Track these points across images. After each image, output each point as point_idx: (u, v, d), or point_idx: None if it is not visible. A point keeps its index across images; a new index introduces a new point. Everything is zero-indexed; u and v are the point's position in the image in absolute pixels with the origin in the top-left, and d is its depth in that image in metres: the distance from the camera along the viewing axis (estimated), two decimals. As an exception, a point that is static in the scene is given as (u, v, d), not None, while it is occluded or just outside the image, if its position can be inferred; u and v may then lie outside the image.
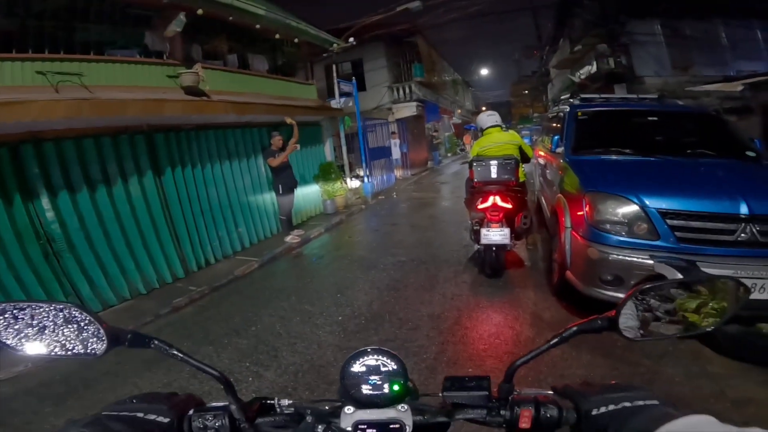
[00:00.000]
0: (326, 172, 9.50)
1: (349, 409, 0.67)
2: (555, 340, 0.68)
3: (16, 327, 0.65)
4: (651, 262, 2.92)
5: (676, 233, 2.96)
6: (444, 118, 25.93)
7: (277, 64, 9.40)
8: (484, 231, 4.30)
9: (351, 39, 11.00)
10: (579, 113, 4.78)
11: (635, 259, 3.00)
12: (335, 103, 10.78)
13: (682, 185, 3.28)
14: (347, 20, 12.50)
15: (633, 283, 2.97)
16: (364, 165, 11.61)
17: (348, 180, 11.00)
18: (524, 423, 0.64)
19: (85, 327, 0.67)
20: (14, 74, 4.37)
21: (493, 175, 4.40)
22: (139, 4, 5.94)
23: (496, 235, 4.27)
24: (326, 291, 4.97)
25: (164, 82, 5.98)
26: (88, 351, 0.67)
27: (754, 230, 2.82)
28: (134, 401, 0.66)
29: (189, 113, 5.90)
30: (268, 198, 7.75)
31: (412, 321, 3.88)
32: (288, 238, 7.23)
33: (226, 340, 3.93)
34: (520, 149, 4.95)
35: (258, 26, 7.93)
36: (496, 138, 4.99)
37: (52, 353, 0.67)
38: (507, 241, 4.29)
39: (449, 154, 25.48)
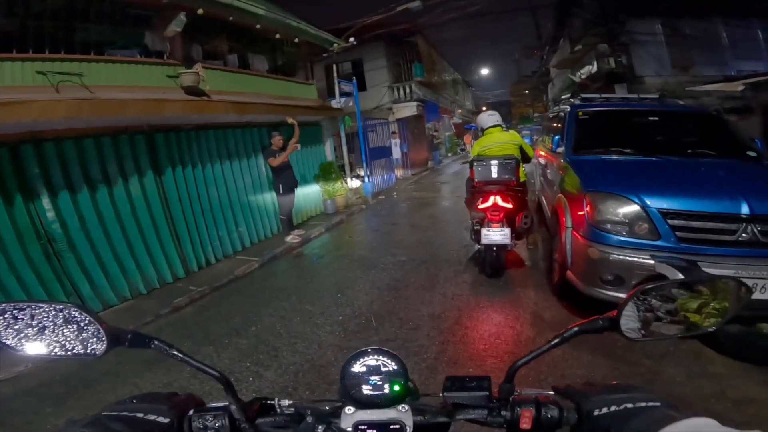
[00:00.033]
0: (327, 172, 9.50)
1: (349, 410, 0.67)
2: (556, 341, 0.68)
3: (16, 327, 0.65)
4: (652, 262, 2.91)
5: (677, 233, 2.96)
6: (444, 117, 25.92)
7: (277, 63, 9.40)
8: (484, 231, 4.29)
9: (351, 39, 11.00)
10: (579, 113, 4.78)
11: (636, 259, 3.00)
12: (335, 103, 10.78)
13: (683, 185, 3.28)
14: (347, 20, 12.52)
15: (634, 283, 2.97)
16: (364, 165, 11.62)
17: (348, 180, 11.00)
18: (525, 423, 0.64)
19: (85, 327, 0.67)
20: (14, 74, 4.37)
21: (494, 174, 4.40)
22: (140, 4, 5.94)
23: (496, 234, 4.26)
24: (327, 291, 4.97)
25: (164, 82, 5.98)
26: (88, 351, 0.67)
27: (755, 230, 2.81)
28: (134, 401, 0.66)
29: (189, 113, 5.90)
30: (269, 198, 7.75)
31: (413, 321, 3.88)
32: (288, 238, 7.23)
33: (226, 340, 3.93)
34: (521, 149, 4.95)
35: (258, 26, 7.93)
36: (497, 138, 4.98)
37: (52, 353, 0.67)
38: (507, 240, 4.28)
39: (450, 154, 25.47)
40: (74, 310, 0.66)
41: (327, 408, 0.71)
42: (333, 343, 3.66)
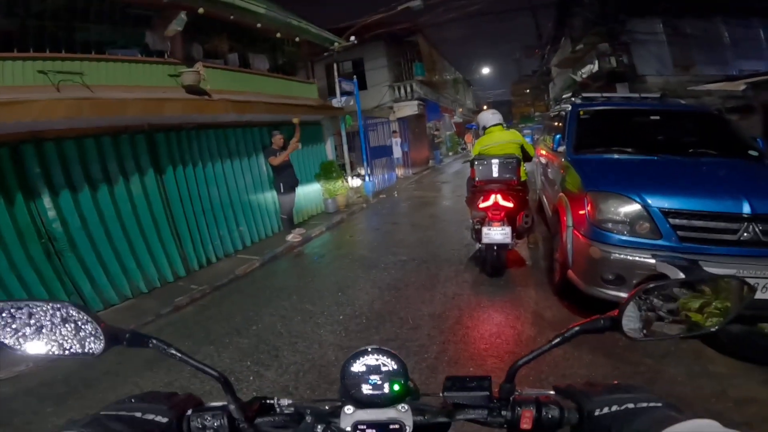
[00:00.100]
0: (327, 171, 9.51)
1: (349, 409, 0.66)
2: (557, 340, 0.68)
3: (14, 326, 0.65)
4: (653, 261, 2.91)
5: (679, 232, 2.95)
6: (445, 116, 25.91)
7: (278, 63, 9.40)
8: (485, 230, 4.29)
9: (352, 38, 10.99)
10: (581, 112, 4.77)
11: (637, 259, 2.99)
12: (336, 102, 10.79)
13: (684, 184, 3.27)
14: (348, 20, 12.50)
15: (635, 283, 2.97)
16: (365, 164, 11.62)
17: (349, 179, 10.99)
18: (525, 423, 0.64)
19: (83, 326, 0.66)
20: (15, 74, 4.37)
21: (495, 173, 4.39)
22: (140, 3, 5.94)
23: (497, 233, 4.26)
24: (327, 290, 4.97)
25: (165, 82, 5.98)
26: (86, 350, 0.67)
27: (756, 230, 2.81)
28: (133, 401, 0.65)
29: (190, 112, 5.90)
30: (269, 197, 7.75)
31: (414, 320, 3.88)
32: (289, 237, 7.23)
33: (227, 340, 3.93)
34: (522, 148, 4.93)
35: (259, 25, 7.93)
36: (498, 137, 4.97)
37: (50, 353, 0.66)
38: (508, 240, 4.27)
39: (450, 153, 25.46)
40: (72, 309, 0.66)
41: (327, 407, 0.70)
42: (334, 343, 3.65)
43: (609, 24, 12.89)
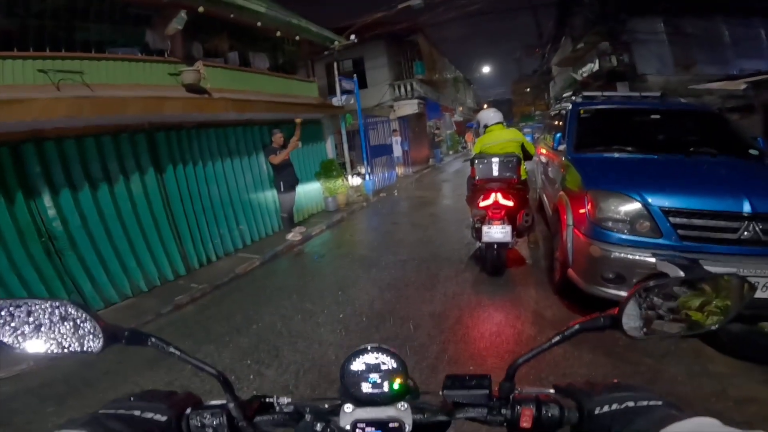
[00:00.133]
0: (327, 170, 9.51)
1: (348, 408, 0.66)
2: (557, 339, 0.67)
3: (13, 324, 0.64)
4: (653, 260, 2.90)
5: (679, 231, 2.95)
6: (445, 115, 25.90)
7: (278, 61, 9.40)
8: (485, 228, 4.28)
9: (352, 36, 10.98)
10: (581, 111, 4.76)
11: (637, 257, 2.99)
12: (337, 101, 10.79)
13: (684, 183, 3.27)
14: (348, 19, 12.49)
15: (635, 282, 2.96)
16: (365, 162, 11.62)
17: (349, 177, 10.99)
18: (525, 422, 0.63)
19: (82, 324, 0.66)
20: (15, 73, 4.37)
21: (495, 172, 4.38)
22: (140, 2, 5.93)
23: (497, 232, 4.25)
24: (327, 289, 4.97)
25: (165, 80, 5.98)
26: (85, 349, 0.67)
27: (757, 228, 2.81)
28: (132, 399, 0.65)
29: (190, 111, 5.90)
30: (270, 195, 7.76)
31: (414, 319, 3.87)
32: (289, 236, 7.23)
33: (227, 339, 3.93)
34: (522, 146, 4.93)
35: (259, 24, 7.92)
36: (499, 135, 4.97)
37: (49, 351, 0.66)
38: (509, 238, 4.27)
39: (451, 152, 25.45)
40: (71, 307, 0.66)
41: (326, 406, 0.70)
42: (334, 342, 3.65)
43: (610, 23, 12.87)
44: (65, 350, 0.67)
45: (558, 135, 4.89)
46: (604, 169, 3.76)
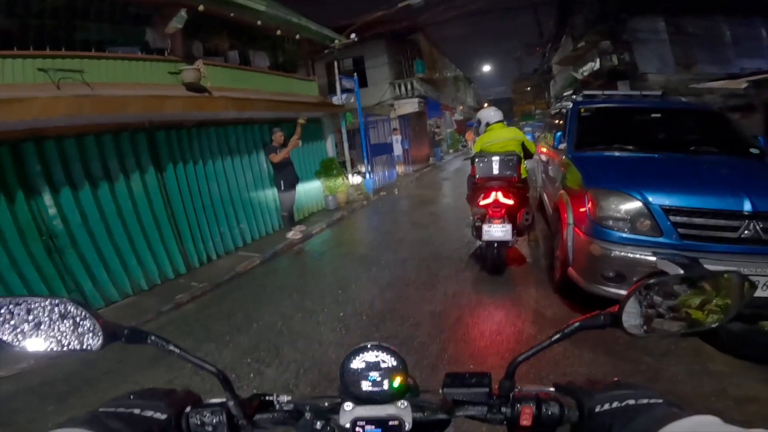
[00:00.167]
0: (328, 168, 9.51)
1: (348, 406, 0.66)
2: (557, 336, 0.67)
3: (12, 322, 0.65)
4: (654, 258, 2.90)
5: (679, 230, 2.95)
6: (446, 114, 25.90)
7: (278, 60, 9.38)
8: (485, 227, 4.28)
9: (353, 35, 10.96)
10: (582, 110, 4.76)
11: (638, 256, 2.99)
12: (337, 100, 10.79)
13: (685, 182, 3.27)
14: (349, 18, 12.47)
15: (635, 280, 2.96)
16: (365, 161, 11.61)
17: (349, 176, 10.99)
18: (525, 420, 0.63)
19: (81, 322, 0.66)
20: (15, 72, 4.36)
21: (495, 171, 4.38)
22: (141, 1, 5.92)
23: (498, 231, 4.25)
24: (328, 288, 4.97)
25: (165, 79, 5.97)
26: (84, 347, 0.67)
27: (757, 227, 2.80)
28: (132, 397, 0.65)
29: (190, 110, 5.89)
30: (270, 194, 7.75)
31: (414, 318, 3.87)
32: (290, 234, 7.23)
33: (227, 337, 3.93)
34: (523, 145, 4.93)
35: (259, 23, 7.91)
36: (499, 134, 4.97)
37: (48, 349, 0.66)
38: (509, 237, 4.27)
39: (451, 151, 25.46)
40: (70, 305, 0.66)
41: (326, 404, 0.70)
42: (334, 341, 3.65)
43: (610, 22, 12.87)
44: (65, 348, 0.67)
45: (558, 134, 4.88)
46: (605, 167, 3.75)
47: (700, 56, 12.72)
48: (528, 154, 5.03)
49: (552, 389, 0.69)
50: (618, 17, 12.81)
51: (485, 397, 0.66)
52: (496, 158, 4.38)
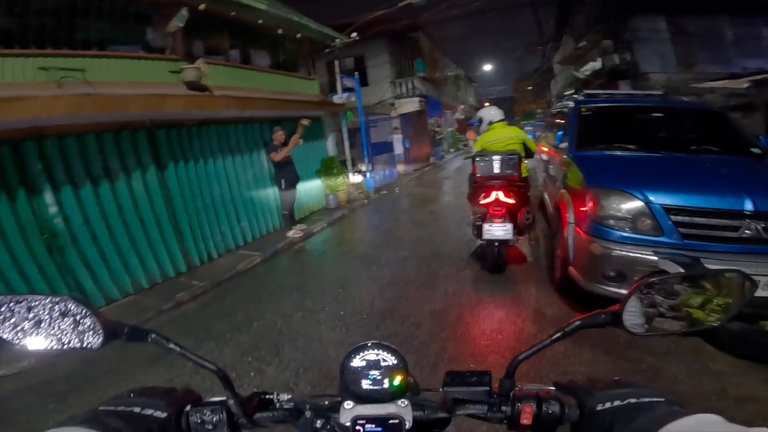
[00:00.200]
0: (328, 167, 9.50)
1: (348, 404, 0.66)
2: (557, 335, 0.67)
3: (13, 320, 0.64)
4: (654, 258, 2.90)
5: (680, 229, 2.94)
6: (447, 113, 25.88)
7: (279, 59, 9.37)
8: (486, 226, 4.28)
9: (353, 34, 10.95)
10: (583, 109, 4.76)
11: (638, 255, 2.98)
12: (338, 98, 10.78)
13: (686, 181, 3.26)
14: (349, 17, 12.46)
15: (636, 280, 2.95)
16: (366, 160, 11.60)
17: (350, 175, 10.97)
18: (525, 419, 0.63)
19: (81, 320, 0.66)
20: (16, 70, 4.36)
21: (496, 170, 4.37)
22: (142, 0, 5.92)
23: (498, 230, 4.25)
24: (328, 287, 4.97)
25: (166, 78, 5.97)
26: (85, 345, 0.66)
27: (758, 227, 2.80)
28: (132, 396, 0.65)
29: (191, 109, 5.88)
30: (271, 193, 7.75)
31: (414, 317, 3.88)
32: (290, 233, 7.23)
33: (228, 336, 3.93)
34: (524, 144, 4.93)
35: (260, 22, 7.91)
36: (500, 133, 4.96)
37: (49, 347, 0.66)
38: (510, 236, 4.26)
39: (452, 150, 25.44)
40: (71, 303, 0.66)
41: (326, 403, 0.70)
42: (334, 340, 3.66)
43: (611, 22, 12.85)
44: (65, 346, 0.66)
45: (560, 133, 4.88)
46: (606, 166, 3.75)
47: (701, 56, 12.71)
48: (529, 153, 5.03)
49: (552, 388, 0.69)
50: (619, 17, 12.80)
51: (485, 395, 0.66)
52: (497, 157, 4.37)
